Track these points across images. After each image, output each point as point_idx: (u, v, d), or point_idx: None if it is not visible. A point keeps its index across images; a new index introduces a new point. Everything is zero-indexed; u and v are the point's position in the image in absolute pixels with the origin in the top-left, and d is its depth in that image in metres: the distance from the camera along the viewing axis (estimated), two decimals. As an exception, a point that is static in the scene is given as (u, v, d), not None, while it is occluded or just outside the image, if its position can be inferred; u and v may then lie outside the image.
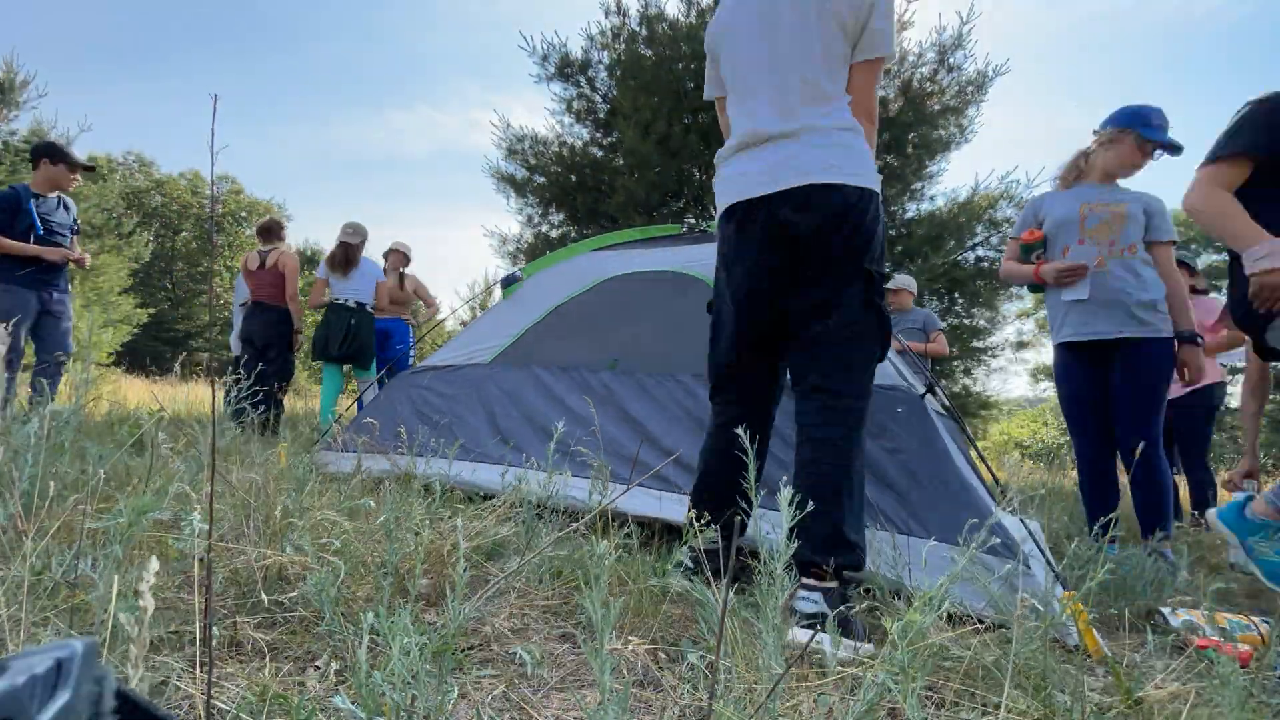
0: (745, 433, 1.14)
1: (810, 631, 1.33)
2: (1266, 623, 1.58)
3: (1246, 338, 2.10)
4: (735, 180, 1.64)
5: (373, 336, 4.54)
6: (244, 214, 30.16)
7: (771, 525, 1.87)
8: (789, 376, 1.71)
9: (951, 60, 6.95)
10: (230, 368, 4.92)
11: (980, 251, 7.23)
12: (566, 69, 7.68)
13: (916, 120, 6.87)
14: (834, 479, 1.49)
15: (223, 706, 0.92)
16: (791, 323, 1.62)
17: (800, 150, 1.55)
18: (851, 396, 1.55)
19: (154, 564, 0.60)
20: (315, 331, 4.51)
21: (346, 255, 4.45)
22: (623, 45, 7.39)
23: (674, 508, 2.06)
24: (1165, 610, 1.73)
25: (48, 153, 3.61)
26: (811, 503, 1.44)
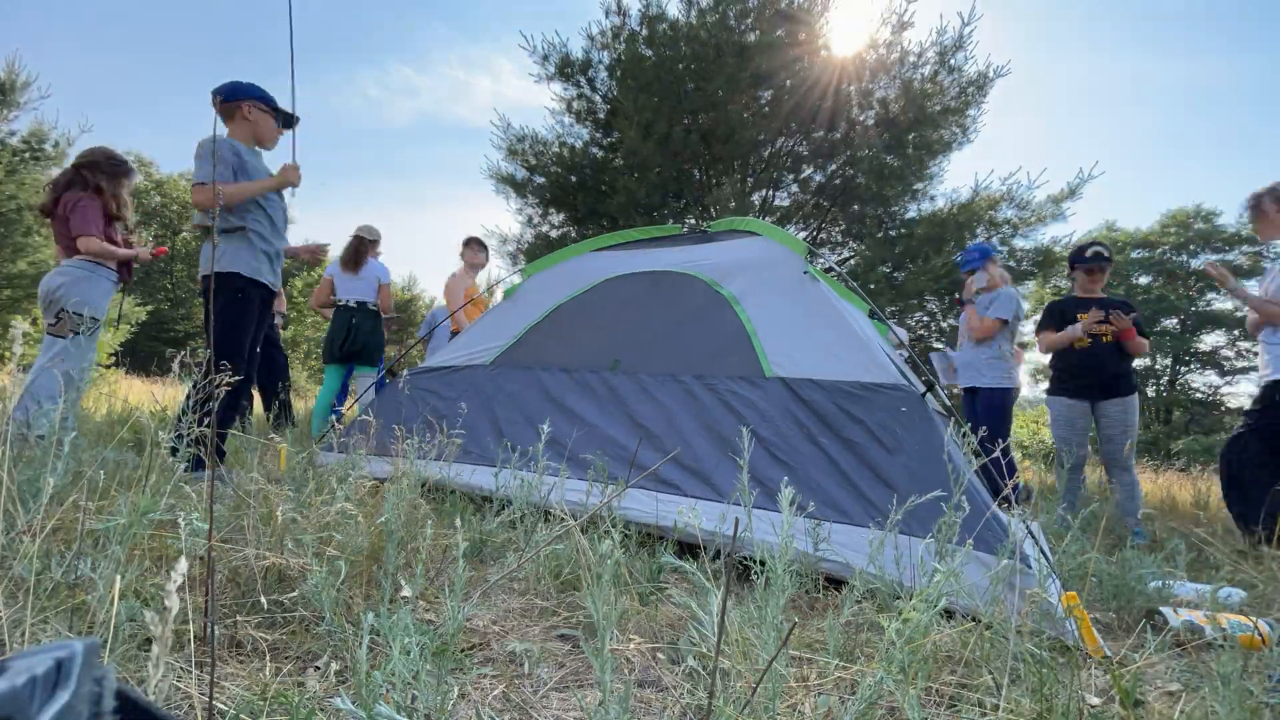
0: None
1: None
2: (1268, 623, 1.58)
3: None
4: None
5: (377, 334, 4.56)
6: (244, 214, 30.11)
7: (772, 525, 1.87)
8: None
9: (952, 61, 6.95)
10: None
11: (981, 252, 7.22)
12: (567, 69, 7.68)
13: (917, 120, 6.86)
14: None
15: (222, 706, 0.92)
16: None
17: None
18: None
19: (183, 564, 0.60)
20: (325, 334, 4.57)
21: (356, 252, 4.46)
22: (623, 45, 7.38)
23: (670, 510, 2.06)
24: (1165, 610, 1.72)
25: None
26: None
